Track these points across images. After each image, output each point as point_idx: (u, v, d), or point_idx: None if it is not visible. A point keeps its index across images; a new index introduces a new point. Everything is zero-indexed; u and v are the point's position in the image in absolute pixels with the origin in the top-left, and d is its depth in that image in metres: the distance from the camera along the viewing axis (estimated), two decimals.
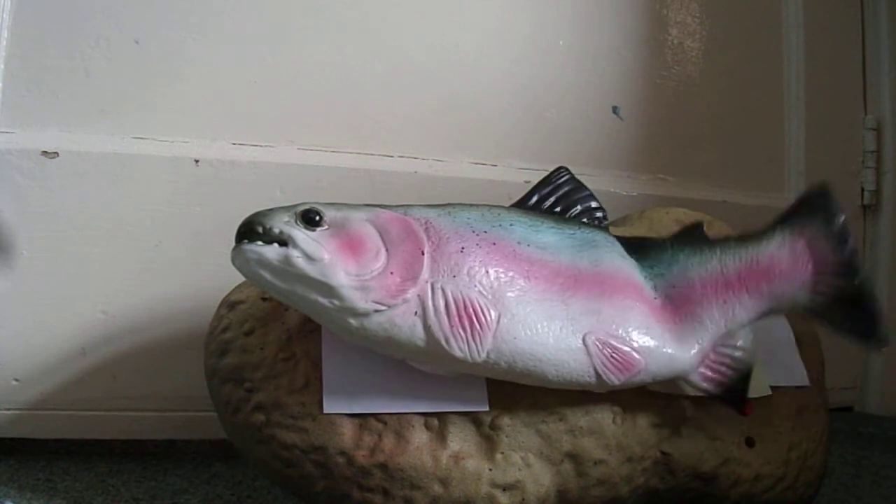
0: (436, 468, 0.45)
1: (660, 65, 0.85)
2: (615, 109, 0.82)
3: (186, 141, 0.66)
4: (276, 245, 0.42)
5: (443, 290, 0.43)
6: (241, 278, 0.52)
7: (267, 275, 0.42)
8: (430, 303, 0.42)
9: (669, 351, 0.48)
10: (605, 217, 0.52)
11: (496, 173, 0.76)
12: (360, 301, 0.42)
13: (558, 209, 0.50)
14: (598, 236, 0.50)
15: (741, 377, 0.49)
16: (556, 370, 0.44)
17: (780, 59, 0.91)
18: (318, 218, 0.43)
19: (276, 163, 0.68)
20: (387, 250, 0.43)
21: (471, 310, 0.43)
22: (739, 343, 0.50)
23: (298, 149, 0.69)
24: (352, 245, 0.42)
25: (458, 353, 0.42)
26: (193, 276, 0.65)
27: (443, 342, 0.42)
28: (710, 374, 0.49)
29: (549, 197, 0.51)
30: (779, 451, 0.53)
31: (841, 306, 0.49)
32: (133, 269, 0.64)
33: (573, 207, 0.51)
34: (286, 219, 0.42)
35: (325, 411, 0.45)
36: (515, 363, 0.44)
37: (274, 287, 0.42)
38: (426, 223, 0.46)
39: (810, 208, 0.50)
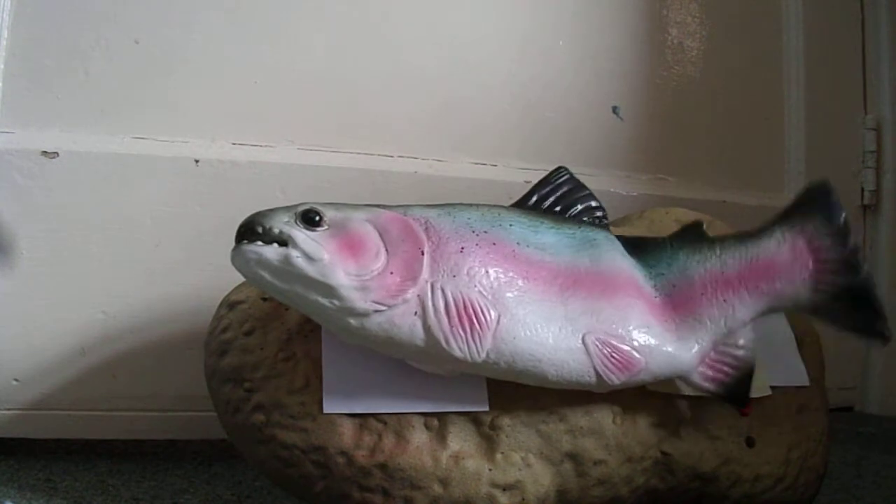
0: (436, 468, 0.45)
1: (660, 65, 0.85)
2: (615, 109, 0.82)
3: (186, 141, 0.66)
4: (275, 245, 0.42)
5: (442, 290, 0.43)
6: (240, 278, 0.51)
7: (267, 275, 0.42)
8: (430, 303, 0.42)
9: (670, 350, 0.48)
10: (605, 216, 0.52)
11: (496, 173, 0.76)
12: (360, 301, 0.42)
13: (558, 209, 0.50)
14: (599, 235, 0.50)
15: (743, 376, 0.49)
16: (555, 370, 0.44)
17: (780, 59, 0.91)
18: (318, 218, 0.43)
19: (276, 163, 0.68)
20: (387, 250, 0.43)
21: (471, 310, 0.43)
22: (741, 342, 0.49)
23: (298, 149, 0.69)
24: (352, 245, 0.42)
25: (457, 353, 0.42)
26: (193, 276, 0.65)
27: (442, 342, 0.42)
28: (711, 373, 0.49)
29: (549, 197, 0.50)
30: (779, 451, 0.53)
31: (843, 304, 0.48)
32: (133, 269, 0.64)
33: (573, 207, 0.51)
34: (286, 219, 0.42)
35: (325, 411, 0.45)
36: (515, 363, 0.44)
37: (274, 287, 0.42)
38: (426, 223, 0.46)
39: (811, 205, 0.49)
